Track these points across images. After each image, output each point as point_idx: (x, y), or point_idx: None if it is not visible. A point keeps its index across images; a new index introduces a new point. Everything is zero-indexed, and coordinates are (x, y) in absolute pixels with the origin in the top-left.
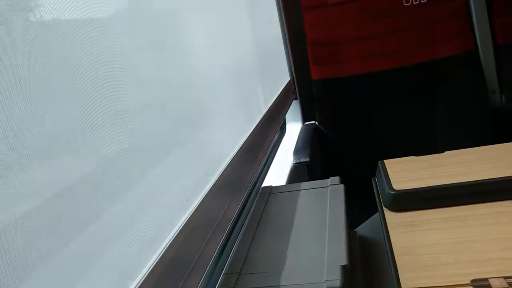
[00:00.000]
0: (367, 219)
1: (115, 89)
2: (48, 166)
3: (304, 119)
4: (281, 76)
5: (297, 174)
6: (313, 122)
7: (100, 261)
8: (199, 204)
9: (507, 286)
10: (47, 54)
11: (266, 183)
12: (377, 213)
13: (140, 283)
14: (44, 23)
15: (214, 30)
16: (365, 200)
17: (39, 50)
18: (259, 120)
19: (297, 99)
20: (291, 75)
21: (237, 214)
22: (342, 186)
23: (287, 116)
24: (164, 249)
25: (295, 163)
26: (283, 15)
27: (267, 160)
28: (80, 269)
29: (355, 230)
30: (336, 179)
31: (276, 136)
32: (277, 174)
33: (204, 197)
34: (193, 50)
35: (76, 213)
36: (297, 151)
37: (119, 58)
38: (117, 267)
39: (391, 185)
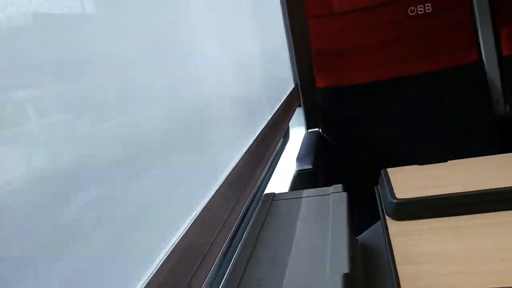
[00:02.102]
0: (369, 227)
1: (119, 93)
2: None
3: (308, 126)
4: (286, 83)
5: (300, 181)
6: (317, 129)
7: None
8: (201, 211)
9: None
10: None
11: (269, 189)
12: (379, 221)
13: None
14: None
15: (219, 37)
16: (367, 208)
17: None
18: (263, 126)
19: (301, 106)
20: (295, 82)
21: (239, 221)
22: (345, 194)
23: (290, 123)
24: (166, 256)
25: (298, 170)
26: (288, 23)
27: (270, 167)
28: None
29: (357, 238)
30: (339, 186)
31: (280, 143)
32: (280, 181)
33: (206, 204)
34: (198, 57)
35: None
36: (300, 158)
37: (123, 61)
38: (124, 269)
39: (394, 194)
